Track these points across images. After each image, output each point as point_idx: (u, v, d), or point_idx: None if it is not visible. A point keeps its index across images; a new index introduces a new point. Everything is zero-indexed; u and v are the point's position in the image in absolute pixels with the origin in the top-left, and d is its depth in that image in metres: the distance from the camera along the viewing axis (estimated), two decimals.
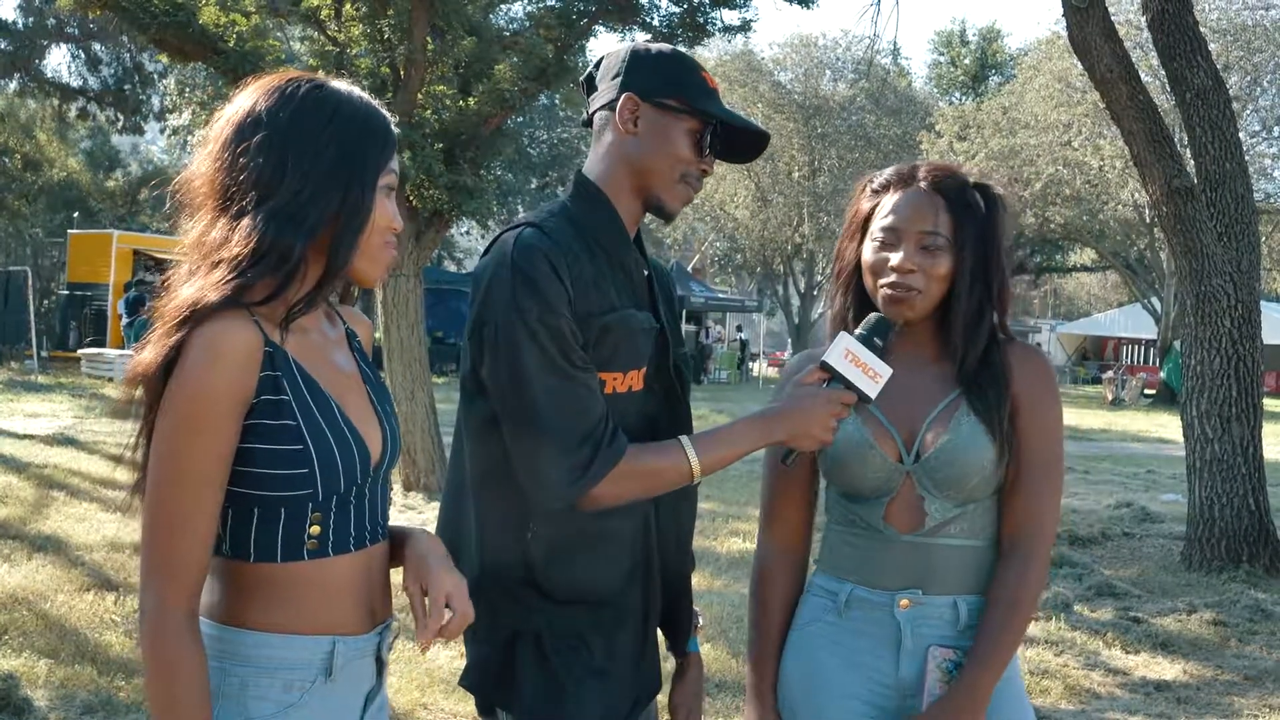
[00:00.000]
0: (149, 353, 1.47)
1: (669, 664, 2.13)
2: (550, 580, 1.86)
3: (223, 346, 1.45)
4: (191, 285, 1.49)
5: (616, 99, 1.91)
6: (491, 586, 1.87)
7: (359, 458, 1.57)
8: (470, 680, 1.95)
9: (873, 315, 1.93)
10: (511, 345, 1.78)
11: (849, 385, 1.85)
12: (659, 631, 2.07)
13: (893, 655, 1.95)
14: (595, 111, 1.96)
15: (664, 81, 1.90)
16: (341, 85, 1.61)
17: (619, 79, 1.92)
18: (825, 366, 1.87)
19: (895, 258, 1.95)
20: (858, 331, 1.90)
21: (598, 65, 1.99)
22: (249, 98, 1.57)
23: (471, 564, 1.90)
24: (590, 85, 1.99)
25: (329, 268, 1.55)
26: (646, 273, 1.98)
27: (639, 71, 1.91)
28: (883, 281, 1.96)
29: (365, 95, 1.62)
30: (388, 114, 1.64)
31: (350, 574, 1.59)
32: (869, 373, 1.85)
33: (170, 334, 1.46)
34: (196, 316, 1.46)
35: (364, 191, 1.55)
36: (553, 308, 1.77)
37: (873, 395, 1.86)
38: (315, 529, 1.54)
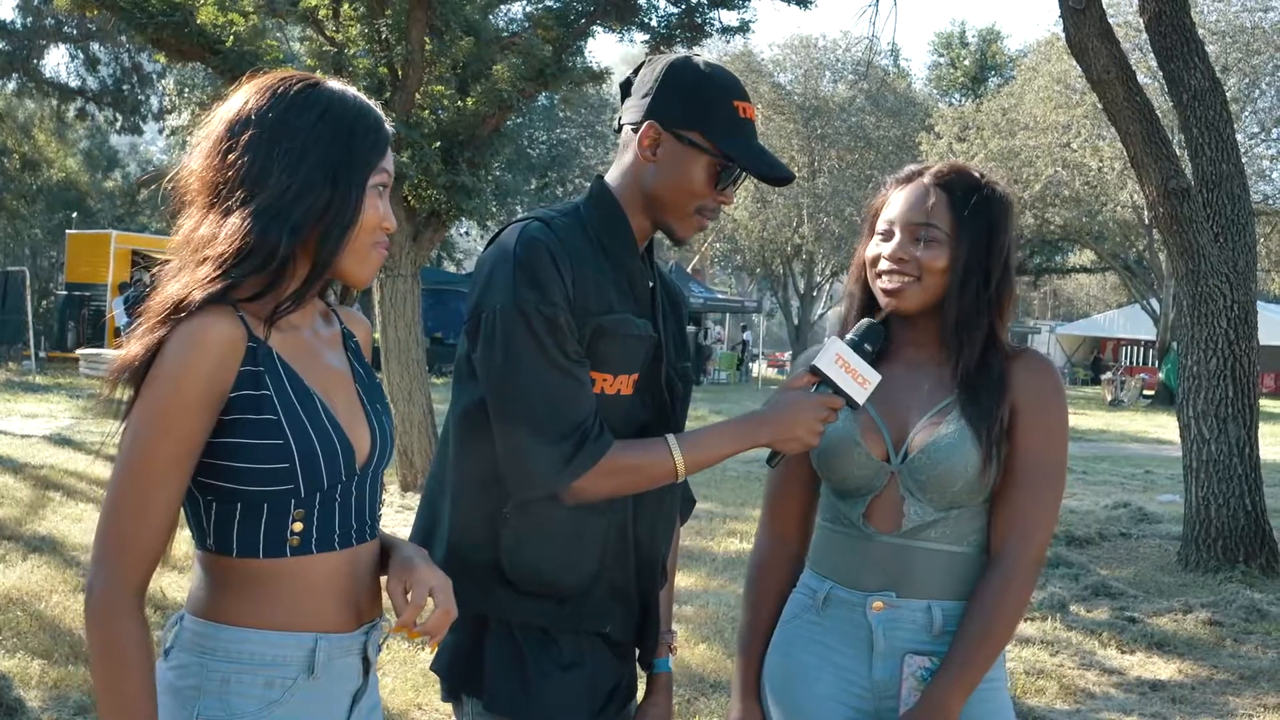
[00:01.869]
0: (133, 348, 1.48)
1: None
2: (514, 568, 1.85)
3: (201, 339, 1.46)
4: (178, 282, 1.50)
5: (641, 122, 1.89)
6: (458, 569, 1.86)
7: (343, 455, 1.57)
8: (439, 664, 1.95)
9: (864, 321, 1.93)
10: (506, 332, 1.78)
11: (837, 390, 1.86)
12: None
13: (866, 656, 1.95)
14: (624, 124, 1.95)
15: (690, 112, 1.87)
16: (335, 85, 1.61)
17: (648, 99, 1.89)
18: (815, 371, 1.87)
19: (888, 248, 1.96)
20: (849, 337, 1.91)
21: (638, 70, 1.96)
22: (242, 96, 1.57)
23: (441, 546, 1.90)
24: (627, 90, 1.97)
25: (315, 266, 1.55)
26: (652, 284, 1.98)
27: (667, 96, 1.88)
28: (876, 271, 1.97)
29: (359, 95, 1.62)
30: (382, 114, 1.63)
31: (335, 571, 1.59)
32: (858, 379, 1.86)
33: (154, 329, 1.47)
34: (180, 313, 1.47)
35: (351, 190, 1.55)
36: (550, 299, 1.78)
37: (860, 401, 1.87)
38: (298, 525, 1.54)
